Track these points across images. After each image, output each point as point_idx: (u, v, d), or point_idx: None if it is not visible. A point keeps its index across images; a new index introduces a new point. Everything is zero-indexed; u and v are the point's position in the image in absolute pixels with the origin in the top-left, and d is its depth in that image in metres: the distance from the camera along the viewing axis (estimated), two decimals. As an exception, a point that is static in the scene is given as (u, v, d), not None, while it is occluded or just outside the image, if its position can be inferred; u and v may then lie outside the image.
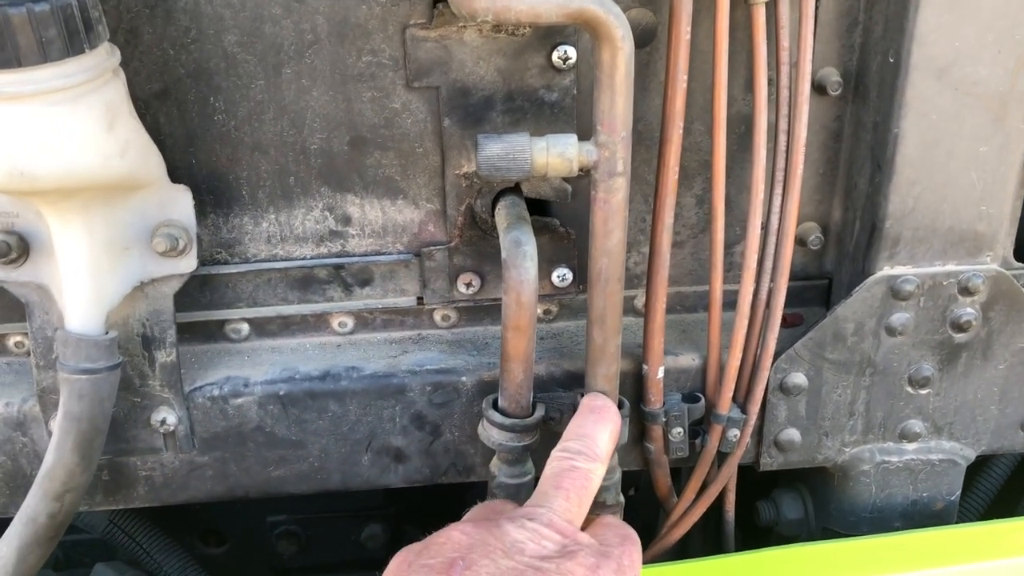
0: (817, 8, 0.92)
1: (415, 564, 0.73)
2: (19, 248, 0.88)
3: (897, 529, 1.09)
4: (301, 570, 1.39)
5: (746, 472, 1.12)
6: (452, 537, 0.77)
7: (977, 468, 1.21)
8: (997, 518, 1.12)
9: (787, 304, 1.01)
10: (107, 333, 0.88)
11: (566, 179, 0.96)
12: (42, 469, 0.90)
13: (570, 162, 0.85)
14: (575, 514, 0.81)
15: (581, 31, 0.90)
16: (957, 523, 1.12)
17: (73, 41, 0.72)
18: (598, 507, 1.01)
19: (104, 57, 0.77)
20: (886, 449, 1.06)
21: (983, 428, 1.06)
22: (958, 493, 1.10)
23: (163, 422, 0.96)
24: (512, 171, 0.85)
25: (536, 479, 0.99)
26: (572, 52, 0.91)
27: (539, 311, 1.06)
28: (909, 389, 1.03)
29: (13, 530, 0.91)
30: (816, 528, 1.15)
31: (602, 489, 0.99)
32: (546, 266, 1.00)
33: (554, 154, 0.84)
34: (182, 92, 0.90)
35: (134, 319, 0.93)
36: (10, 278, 0.90)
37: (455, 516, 1.35)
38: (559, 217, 0.99)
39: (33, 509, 0.90)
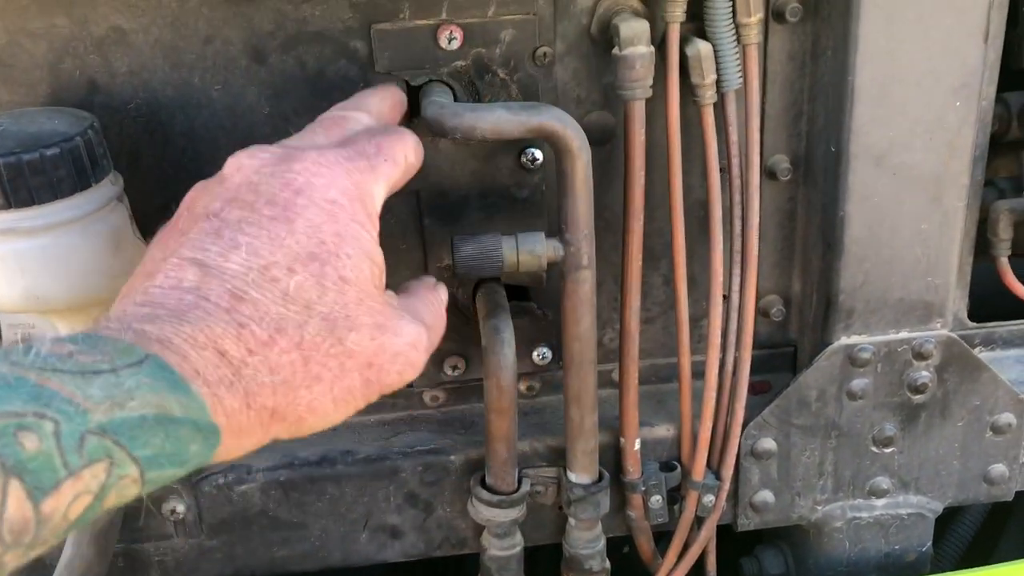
0: (763, 103, 1.00)
1: (155, 241, 0.71)
2: (35, 357, 0.95)
3: (872, 581, 1.14)
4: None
5: (729, 530, 1.18)
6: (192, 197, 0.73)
7: (949, 518, 1.27)
8: (972, 566, 1.18)
9: (755, 372, 1.08)
10: (118, 432, 0.95)
11: (540, 266, 1.03)
12: (61, 561, 0.96)
13: (539, 258, 0.92)
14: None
15: (546, 134, 0.98)
16: (932, 573, 1.17)
17: (81, 177, 0.80)
18: (584, 574, 1.07)
19: (109, 187, 0.85)
20: (856, 506, 1.12)
21: (947, 481, 1.12)
22: (929, 544, 1.15)
23: (173, 511, 1.02)
24: (486, 269, 0.92)
25: (524, 549, 1.06)
26: (539, 154, 0.98)
27: (522, 387, 1.12)
28: (874, 448, 1.09)
29: (36, 620, 0.97)
30: (798, 582, 1.20)
31: (586, 557, 1.06)
32: (526, 346, 1.07)
33: (524, 252, 0.92)
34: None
35: (143, 416, 1.00)
36: (28, 384, 0.97)
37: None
38: (536, 298, 1.06)
39: (54, 600, 0.97)
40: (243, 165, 0.70)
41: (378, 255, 0.70)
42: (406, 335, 0.71)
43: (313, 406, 0.65)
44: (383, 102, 0.84)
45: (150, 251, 0.69)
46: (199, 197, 0.71)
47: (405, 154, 0.76)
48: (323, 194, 0.67)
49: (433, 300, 0.82)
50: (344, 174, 0.69)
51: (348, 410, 0.68)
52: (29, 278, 0.82)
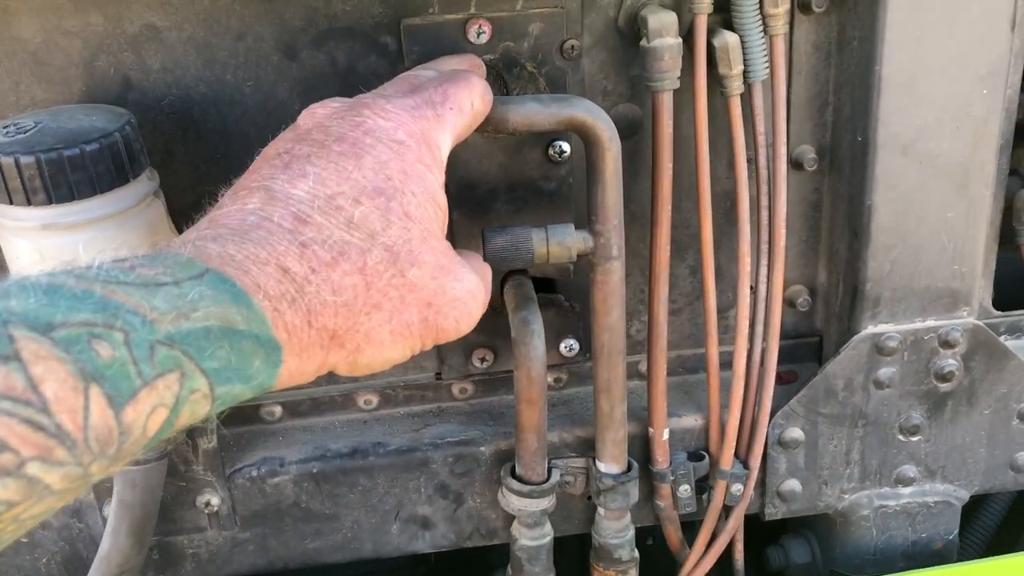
0: (789, 93, 1.00)
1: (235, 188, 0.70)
2: (72, 351, 0.97)
3: (900, 570, 1.14)
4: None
5: (756, 520, 1.19)
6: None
7: (975, 506, 1.27)
8: (999, 554, 1.18)
9: (781, 362, 1.08)
10: (154, 426, 0.96)
11: (568, 258, 1.04)
12: (99, 553, 0.98)
13: (569, 249, 0.93)
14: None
15: (573, 127, 0.98)
16: (959, 560, 1.18)
17: (119, 173, 0.81)
18: (614, 563, 1.08)
19: (146, 183, 0.86)
20: (883, 494, 1.13)
21: (974, 470, 1.13)
22: (956, 532, 1.16)
23: (207, 504, 1.03)
24: (516, 261, 0.93)
25: (553, 539, 1.07)
26: (566, 147, 0.99)
27: (550, 379, 1.13)
28: (900, 437, 1.10)
29: (74, 611, 0.99)
30: (824, 572, 1.21)
31: (615, 546, 1.07)
32: (554, 338, 1.08)
33: (554, 243, 0.92)
34: (214, 202, 0.99)
35: (177, 410, 1.01)
36: (64, 379, 0.98)
37: (481, 572, 1.42)
38: (564, 291, 1.07)
39: (92, 591, 0.98)
40: (315, 113, 0.72)
41: (443, 199, 0.71)
42: (467, 282, 0.72)
43: (371, 335, 0.65)
44: (460, 63, 0.87)
45: (223, 198, 0.70)
46: (271, 143, 0.73)
47: (472, 101, 0.77)
48: (391, 135, 0.68)
49: (484, 266, 0.83)
50: (411, 119, 0.70)
51: (404, 347, 0.68)
52: (69, 273, 0.83)
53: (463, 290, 0.71)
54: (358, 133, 0.68)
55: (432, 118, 0.72)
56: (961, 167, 0.98)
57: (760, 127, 0.98)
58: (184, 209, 0.99)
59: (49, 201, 0.79)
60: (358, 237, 0.63)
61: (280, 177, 0.65)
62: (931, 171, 0.98)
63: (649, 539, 1.42)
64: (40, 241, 0.81)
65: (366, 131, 0.68)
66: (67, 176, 0.78)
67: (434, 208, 0.69)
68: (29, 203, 0.78)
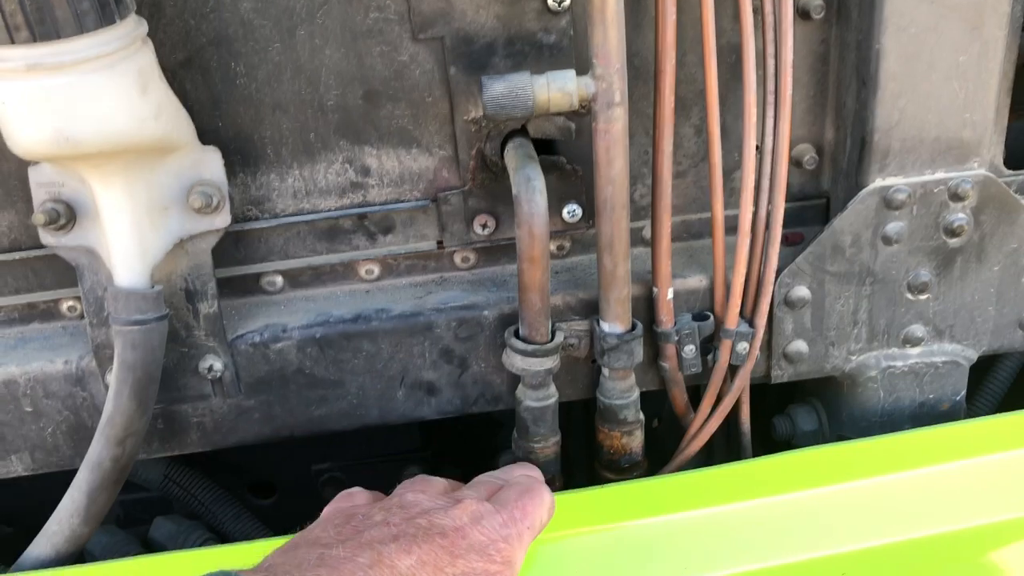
0: (795, -64, 0.97)
1: (328, 522, 0.87)
2: (67, 215, 0.95)
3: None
4: (347, 515, 1.46)
5: (763, 392, 1.18)
6: (355, 497, 0.94)
7: (984, 369, 1.26)
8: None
9: (788, 224, 1.07)
10: (153, 287, 0.96)
11: (569, 117, 1.02)
12: (103, 417, 0.98)
13: (570, 96, 0.91)
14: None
15: (573, -26, 0.95)
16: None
17: (105, 12, 0.79)
18: (619, 424, 1.07)
19: (134, 26, 0.84)
20: (891, 355, 1.12)
21: (982, 329, 1.12)
22: (963, 393, 1.15)
23: (210, 369, 1.03)
24: (516, 108, 0.91)
25: (558, 402, 1.06)
26: (566, -7, 0.96)
27: (552, 247, 1.12)
28: (909, 296, 1.09)
29: (81, 476, 0.99)
30: (831, 438, 1.20)
31: (621, 407, 1.06)
32: (556, 203, 1.06)
33: (555, 89, 0.90)
34: (205, 59, 0.97)
35: (177, 275, 1.00)
36: (60, 243, 0.97)
37: (488, 452, 1.43)
38: (565, 155, 1.05)
39: (98, 455, 0.98)
40: (419, 497, 0.88)
41: None
42: None
43: None
44: (526, 470, 1.01)
45: (328, 532, 0.84)
46: (376, 510, 0.87)
47: (542, 519, 0.90)
48: (482, 547, 0.82)
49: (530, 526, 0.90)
50: (502, 541, 0.84)
51: None
52: (58, 118, 0.81)
53: None
54: (454, 534, 0.82)
55: (515, 538, 0.85)
56: (974, 6, 0.95)
57: (766, -30, 0.95)
58: (175, 68, 0.97)
59: (33, 39, 0.76)
60: None
61: (390, 545, 0.79)
62: (943, 10, 0.95)
63: (655, 421, 1.42)
64: (27, 84, 0.79)
65: (462, 534, 0.82)
66: (51, 11, 0.76)
67: None
68: (12, 41, 0.76)
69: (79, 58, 0.79)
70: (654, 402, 1.16)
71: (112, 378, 0.97)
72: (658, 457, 1.16)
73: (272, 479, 1.46)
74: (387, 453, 1.43)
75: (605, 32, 0.87)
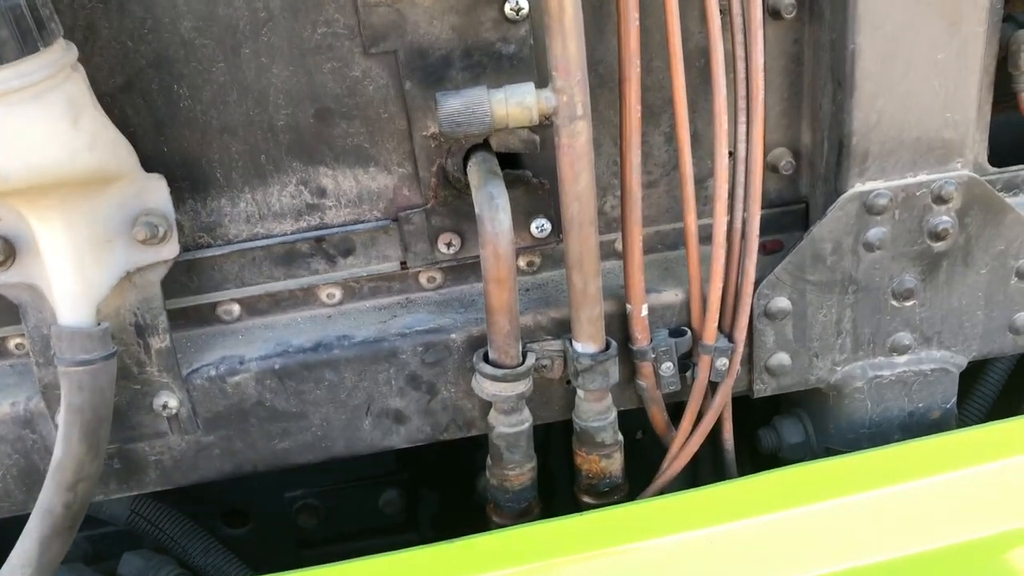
0: (762, -68, 0.92)
1: None
2: (5, 251, 0.90)
3: (897, 441, 1.10)
4: (324, 541, 1.42)
5: (745, 405, 1.14)
6: None
7: (974, 374, 1.22)
8: (998, 422, 1.14)
9: (767, 231, 1.02)
10: (99, 324, 0.91)
11: (532, 130, 0.97)
12: (53, 462, 0.93)
13: (530, 110, 0.86)
14: None
15: (530, -20, 0.91)
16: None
17: (27, 40, 0.74)
18: (596, 447, 1.03)
19: (61, 54, 0.78)
20: (877, 364, 1.07)
21: (971, 334, 1.07)
22: (954, 400, 1.11)
23: (165, 406, 0.98)
24: (473, 125, 0.86)
25: (532, 426, 1.02)
26: (524, 2, 0.91)
27: (522, 263, 1.07)
28: (894, 303, 1.04)
29: (32, 523, 0.94)
30: (819, 450, 1.16)
31: (598, 430, 1.02)
32: (524, 218, 1.01)
33: (513, 104, 0.86)
34: (145, 82, 0.92)
35: (125, 309, 0.95)
36: (0, 281, 0.92)
37: (467, 476, 1.39)
38: (532, 170, 1.00)
39: (49, 501, 0.93)
40: None
41: None
42: None
43: None
44: None
45: None
46: None
47: None
48: None
49: None
50: None
51: None
52: (-17, 154, 0.76)
53: None
54: None
55: None
56: (953, 2, 0.90)
57: (732, -31, 0.90)
58: (114, 92, 0.92)
59: (-54, 72, 0.72)
60: None
61: None
62: (919, 7, 0.90)
63: (639, 432, 1.37)
64: (-54, 120, 0.74)
65: None
66: (-34, 42, 0.71)
67: None
68: (-74, 74, 0.71)
69: (1, 90, 0.74)
70: (637, 412, 1.11)
71: (60, 421, 0.92)
72: (644, 468, 1.11)
73: (245, 507, 1.42)
74: (362, 478, 1.38)
75: (564, 42, 0.83)
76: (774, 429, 1.18)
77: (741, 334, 1.01)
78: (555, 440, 1.33)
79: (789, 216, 1.09)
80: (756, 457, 1.23)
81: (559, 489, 1.32)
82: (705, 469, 1.24)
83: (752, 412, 1.22)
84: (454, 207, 1.01)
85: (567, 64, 0.84)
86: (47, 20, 0.76)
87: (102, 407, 0.91)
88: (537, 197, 1.01)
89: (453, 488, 1.43)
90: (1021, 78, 1.01)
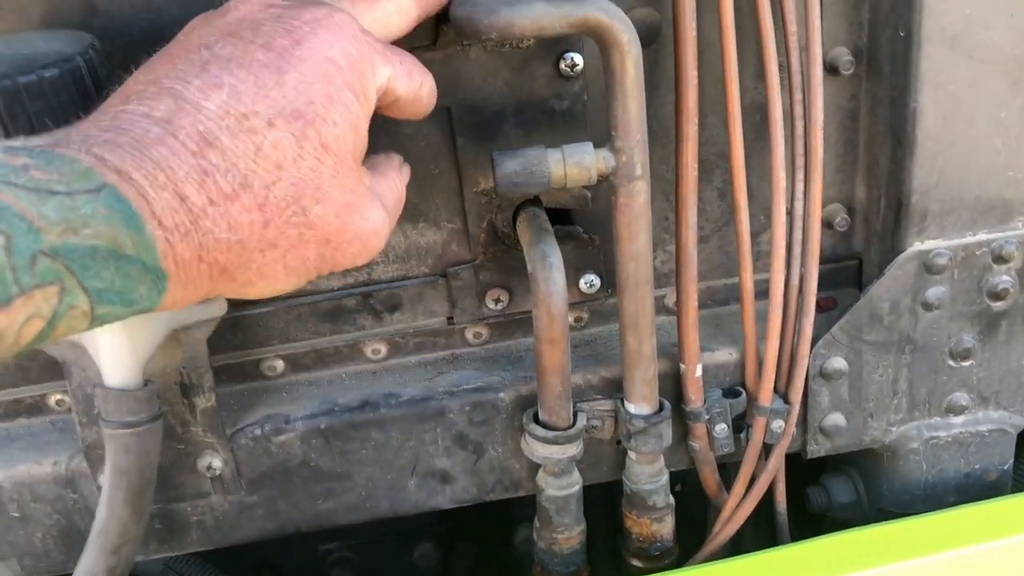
0: (821, -11, 0.91)
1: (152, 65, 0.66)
2: (51, 309, 0.89)
3: (952, 504, 1.07)
4: (358, 595, 1.40)
5: (792, 459, 1.11)
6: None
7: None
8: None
9: (819, 288, 1.00)
10: (146, 385, 0.89)
11: (584, 186, 0.95)
12: (96, 525, 0.91)
13: (588, 171, 0.84)
14: None
15: (585, 37, 0.89)
16: (1013, 492, 1.10)
17: (84, 101, 0.72)
18: (648, 511, 1.01)
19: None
20: (933, 425, 1.05)
21: (1030, 394, 1.05)
22: (1011, 462, 1.08)
23: (209, 467, 0.96)
24: (531, 186, 0.84)
25: (582, 488, 0.99)
26: (579, 59, 0.90)
27: (570, 319, 1.05)
28: (951, 362, 1.02)
29: (74, 587, 0.92)
30: (870, 510, 1.13)
31: (650, 492, 0.99)
32: (573, 273, 1.00)
33: (571, 164, 0.84)
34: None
35: (171, 368, 0.93)
36: (45, 339, 0.90)
37: (505, 529, 1.36)
38: (580, 223, 0.99)
39: (91, 566, 0.91)
40: (252, 1, 0.67)
41: (364, 130, 0.67)
42: (372, 221, 0.69)
43: (264, 271, 0.63)
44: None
45: (134, 75, 0.64)
46: (198, 27, 0.67)
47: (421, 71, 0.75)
48: (324, 51, 0.63)
49: (397, 183, 0.78)
50: (351, 39, 0.65)
51: (296, 280, 0.67)
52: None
53: (366, 229, 0.69)
54: (288, 41, 0.63)
55: (375, 46, 0.67)
56: (1016, 61, 0.89)
57: (792, 27, 0.89)
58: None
59: (7, 135, 0.70)
60: (264, 168, 0.60)
61: (194, 83, 0.60)
62: (983, 66, 0.89)
63: (679, 484, 1.35)
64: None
65: (298, 40, 0.63)
66: (25, 106, 0.70)
67: (354, 139, 0.66)
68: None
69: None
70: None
71: (104, 484, 0.90)
72: (683, 522, 1.08)
73: (278, 561, 1.39)
74: (399, 530, 1.36)
75: (625, 102, 0.81)
76: (823, 488, 1.16)
77: (797, 395, 0.99)
78: (592, 499, 1.30)
79: (842, 272, 1.07)
80: (803, 515, 1.20)
81: (599, 549, 1.29)
82: (748, 529, 1.21)
83: (796, 468, 1.19)
84: (503, 262, 1.00)
85: (627, 125, 0.82)
86: (105, 80, 0.75)
87: (148, 469, 0.89)
88: (586, 253, 1.00)
89: (490, 541, 1.40)
90: (1081, 135, 0.99)
